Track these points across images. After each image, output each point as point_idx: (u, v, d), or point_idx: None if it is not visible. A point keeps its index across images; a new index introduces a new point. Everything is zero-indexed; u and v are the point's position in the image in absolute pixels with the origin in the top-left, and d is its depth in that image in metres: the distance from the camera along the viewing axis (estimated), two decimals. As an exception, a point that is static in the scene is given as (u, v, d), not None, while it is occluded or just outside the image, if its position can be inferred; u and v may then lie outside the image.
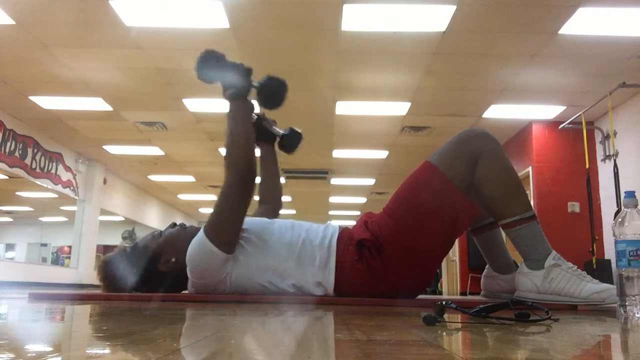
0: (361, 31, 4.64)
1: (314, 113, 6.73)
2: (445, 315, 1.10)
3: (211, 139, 7.80)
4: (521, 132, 7.12)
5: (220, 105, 5.39)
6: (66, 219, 13.26)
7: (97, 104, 6.51)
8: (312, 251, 1.82)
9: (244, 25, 4.60)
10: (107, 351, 0.63)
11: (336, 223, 2.04)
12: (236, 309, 1.42)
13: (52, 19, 4.52)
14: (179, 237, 1.92)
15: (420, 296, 2.06)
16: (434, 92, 5.98)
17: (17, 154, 7.40)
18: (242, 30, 4.68)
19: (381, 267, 1.79)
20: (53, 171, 8.46)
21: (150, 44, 4.95)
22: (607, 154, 6.24)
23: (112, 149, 8.70)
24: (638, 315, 1.26)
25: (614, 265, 1.41)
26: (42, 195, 10.14)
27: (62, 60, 5.33)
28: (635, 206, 1.32)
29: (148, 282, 1.88)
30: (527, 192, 6.52)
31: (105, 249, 10.53)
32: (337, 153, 8.56)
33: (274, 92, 1.91)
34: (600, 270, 5.14)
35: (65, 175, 8.86)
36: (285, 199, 13.72)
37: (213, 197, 1.84)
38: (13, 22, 4.57)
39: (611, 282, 1.69)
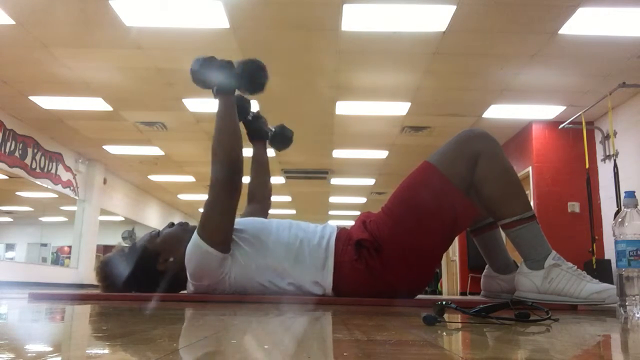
0: (361, 31, 4.64)
1: (314, 113, 6.73)
2: (445, 315, 1.10)
3: (211, 138, 7.78)
4: (521, 132, 7.12)
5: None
6: (66, 219, 13.26)
7: (97, 104, 6.51)
8: (310, 251, 1.82)
9: (244, 25, 4.60)
10: (107, 351, 0.63)
11: (336, 223, 2.04)
12: (236, 309, 1.42)
13: (52, 19, 4.52)
14: (177, 236, 1.92)
15: (420, 296, 2.06)
16: (434, 92, 5.98)
17: (17, 154, 7.40)
18: (242, 30, 4.68)
19: (380, 267, 1.79)
20: (53, 171, 8.46)
21: (150, 44, 4.95)
22: (607, 154, 6.24)
23: (112, 149, 8.70)
24: (638, 315, 1.26)
25: (614, 265, 1.41)
26: (42, 195, 10.14)
27: (62, 60, 5.33)
28: (635, 206, 1.32)
29: (147, 282, 1.88)
30: (527, 192, 6.53)
31: (105, 249, 10.53)
32: (337, 153, 8.56)
33: (251, 74, 1.88)
34: (600, 270, 5.13)
35: (65, 175, 8.86)
36: (285, 199, 13.74)
37: (206, 198, 1.84)
38: (13, 22, 4.57)
39: (611, 282, 1.69)
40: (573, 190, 6.42)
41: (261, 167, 2.32)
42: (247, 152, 1.89)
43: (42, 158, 8.09)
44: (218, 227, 1.76)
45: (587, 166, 5.58)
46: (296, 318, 1.22)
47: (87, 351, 0.65)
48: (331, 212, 14.77)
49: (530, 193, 6.67)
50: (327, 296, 1.81)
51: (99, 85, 5.96)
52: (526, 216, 1.76)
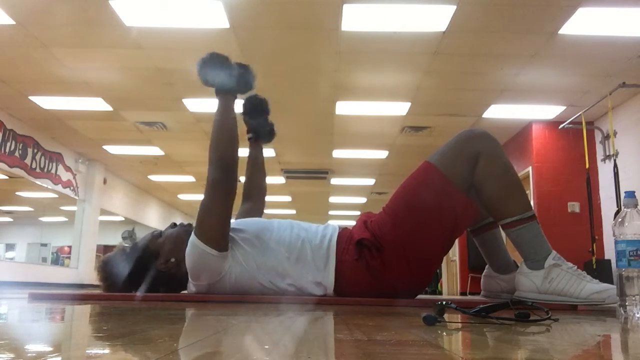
0: (361, 31, 4.64)
1: (314, 113, 6.73)
2: (445, 315, 1.10)
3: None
4: (521, 132, 7.12)
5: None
6: (66, 219, 13.26)
7: (97, 104, 6.51)
8: (312, 251, 1.82)
9: (244, 25, 4.60)
10: (107, 351, 0.63)
11: (336, 223, 2.04)
12: (236, 309, 1.42)
13: (52, 19, 4.52)
14: (179, 237, 1.92)
15: (420, 296, 2.07)
16: (434, 92, 5.98)
17: (17, 154, 7.40)
18: (242, 30, 4.68)
19: (381, 267, 1.79)
20: (53, 171, 8.46)
21: (150, 44, 4.95)
22: (607, 154, 6.24)
23: (112, 149, 8.70)
24: (638, 315, 1.26)
25: (614, 265, 1.41)
26: (42, 195, 10.14)
27: (62, 60, 5.33)
28: (635, 206, 1.32)
29: (148, 282, 1.88)
30: (527, 192, 6.52)
31: (105, 249, 10.52)
32: (337, 153, 8.56)
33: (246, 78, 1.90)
34: (600, 270, 5.13)
35: (65, 175, 8.86)
36: (285, 198, 13.74)
37: (202, 198, 1.84)
38: (13, 22, 4.57)
39: (611, 282, 1.69)
40: (573, 190, 6.42)
41: (256, 167, 2.32)
42: (243, 152, 1.90)
43: (42, 158, 8.09)
44: (214, 226, 1.77)
45: (587, 166, 5.58)
46: (296, 318, 1.22)
47: (87, 351, 0.65)
48: (331, 212, 14.77)
49: (530, 193, 6.67)
50: (328, 296, 1.81)
51: (99, 85, 5.96)
52: (526, 216, 1.76)
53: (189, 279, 1.82)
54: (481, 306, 1.09)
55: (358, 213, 13.03)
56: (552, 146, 6.75)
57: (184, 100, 6.34)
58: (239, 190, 1.88)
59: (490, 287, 2.05)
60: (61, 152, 8.66)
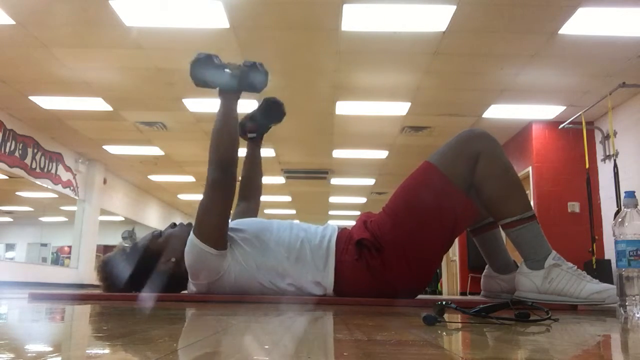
0: (361, 31, 4.64)
1: (314, 113, 6.73)
2: (445, 315, 1.10)
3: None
4: (521, 132, 7.12)
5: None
6: (66, 219, 13.27)
7: (97, 104, 6.51)
8: (311, 251, 1.82)
9: (244, 25, 4.60)
10: (107, 351, 0.63)
11: (336, 223, 2.05)
12: (236, 309, 1.42)
13: (52, 19, 4.52)
14: (179, 237, 1.92)
15: (420, 296, 2.06)
16: (434, 92, 5.98)
17: (17, 154, 7.40)
18: (242, 30, 4.68)
19: (381, 267, 1.79)
20: (53, 171, 8.46)
21: (150, 44, 4.95)
22: (607, 154, 6.24)
23: (112, 149, 8.70)
24: (638, 315, 1.26)
25: (614, 265, 1.41)
26: (42, 195, 10.14)
27: (62, 60, 5.33)
28: (635, 206, 1.32)
29: (148, 282, 1.88)
30: (527, 192, 6.52)
31: (105, 249, 10.52)
32: (337, 153, 8.56)
33: (253, 76, 1.88)
34: (600, 270, 5.13)
35: (65, 175, 8.86)
36: (285, 198, 13.74)
37: (201, 197, 1.84)
38: (13, 22, 4.57)
39: (611, 282, 1.69)
40: (573, 190, 6.42)
41: (253, 166, 2.32)
42: (241, 152, 1.90)
43: (42, 158, 8.09)
44: (213, 225, 1.77)
45: (587, 166, 5.58)
46: (296, 318, 1.22)
47: (87, 351, 0.65)
48: (331, 212, 14.77)
49: (530, 193, 6.67)
50: (328, 296, 1.81)
51: (99, 85, 5.96)
52: (526, 216, 1.76)
53: (189, 278, 1.83)
54: (481, 306, 1.09)
55: (358, 213, 13.03)
56: (552, 146, 6.75)
57: (184, 100, 6.34)
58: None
59: (490, 287, 2.05)
60: (61, 152, 8.66)
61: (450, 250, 10.09)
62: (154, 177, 10.81)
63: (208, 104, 6.31)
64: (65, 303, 1.71)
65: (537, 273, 1.73)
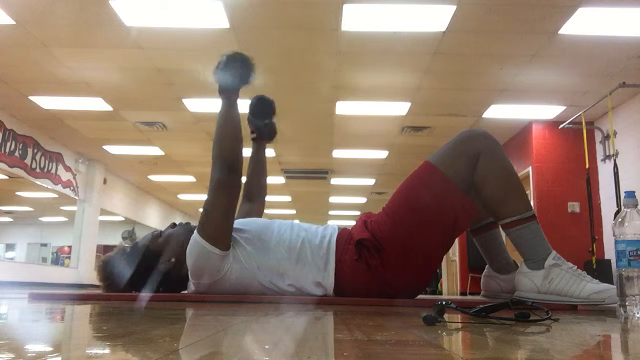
0: (361, 31, 4.64)
1: (314, 113, 6.73)
2: (445, 315, 1.10)
3: (211, 139, 7.68)
4: (521, 132, 7.12)
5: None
6: (66, 219, 13.27)
7: (97, 104, 6.51)
8: (312, 251, 1.82)
9: (244, 25, 4.60)
10: (107, 351, 0.63)
11: (336, 223, 2.05)
12: (236, 309, 1.42)
13: (52, 19, 4.52)
14: (179, 237, 1.92)
15: (420, 296, 2.06)
16: (434, 92, 5.98)
17: (17, 154, 7.40)
18: (242, 30, 4.68)
19: (381, 267, 1.79)
20: (53, 171, 8.46)
21: (150, 44, 4.95)
22: (607, 154, 6.24)
23: (112, 149, 8.70)
24: (638, 315, 1.26)
25: (614, 265, 1.41)
26: (42, 195, 10.14)
27: (62, 60, 5.33)
28: (635, 206, 1.32)
29: (148, 282, 1.88)
30: (527, 192, 6.52)
31: (105, 249, 10.53)
32: (337, 153, 8.56)
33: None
34: (600, 270, 5.13)
35: (65, 175, 8.86)
36: (285, 198, 13.73)
37: (206, 197, 1.84)
38: (13, 22, 4.57)
39: (611, 282, 1.69)
40: (573, 190, 6.42)
41: (258, 166, 2.32)
42: (246, 152, 1.89)
43: (42, 158, 8.09)
44: (218, 225, 1.77)
45: (587, 166, 5.58)
46: (296, 318, 1.22)
47: (87, 351, 0.65)
48: (331, 212, 14.77)
49: (530, 193, 6.67)
50: (328, 296, 1.81)
51: (99, 85, 5.96)
52: (526, 216, 1.76)
53: (190, 277, 1.82)
54: (481, 306, 1.09)
55: (358, 213, 13.04)
56: (552, 146, 6.75)
57: (184, 100, 6.34)
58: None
59: (490, 287, 2.05)
60: (61, 152, 8.66)
61: (450, 250, 10.07)
62: (154, 177, 10.80)
63: (208, 104, 6.31)
64: (65, 303, 1.71)
65: (537, 273, 1.73)
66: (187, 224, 2.03)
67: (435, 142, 7.35)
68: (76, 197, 9.41)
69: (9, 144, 7.18)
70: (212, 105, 6.28)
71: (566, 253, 1.83)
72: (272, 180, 10.08)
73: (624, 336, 0.99)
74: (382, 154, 8.54)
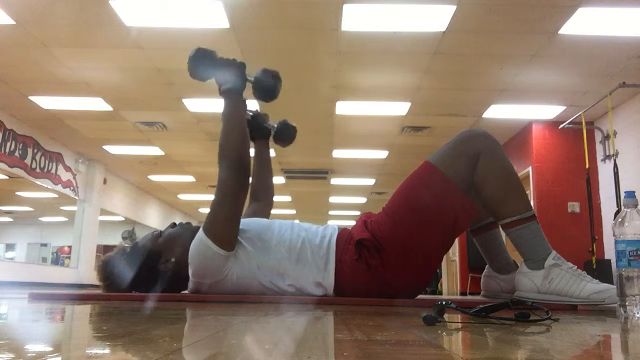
0: (361, 31, 4.64)
1: (314, 113, 6.73)
2: (445, 315, 1.10)
3: (211, 139, 7.80)
4: (521, 132, 7.12)
5: (221, 105, 5.39)
6: (66, 219, 13.27)
7: (97, 104, 6.51)
8: (312, 251, 1.82)
9: (244, 25, 4.60)
10: (107, 351, 0.63)
11: (336, 223, 2.05)
12: (236, 309, 1.42)
13: (52, 19, 4.52)
14: (179, 237, 1.92)
15: (420, 296, 2.06)
16: (434, 92, 5.98)
17: (17, 154, 7.40)
18: (242, 30, 4.68)
19: (381, 267, 1.79)
20: (53, 171, 8.46)
21: (150, 44, 4.95)
22: (607, 154, 6.24)
23: (112, 149, 8.70)
24: (638, 315, 1.26)
25: (614, 265, 1.41)
26: (42, 195, 10.14)
27: (62, 60, 5.33)
28: (635, 206, 1.32)
29: (148, 282, 1.88)
30: (527, 192, 6.52)
31: (105, 249, 10.53)
32: (337, 153, 8.56)
33: (269, 85, 1.92)
34: (600, 270, 5.13)
35: (65, 175, 8.86)
36: (285, 198, 13.75)
37: (213, 197, 1.84)
38: (13, 22, 4.57)
39: (611, 282, 1.69)
40: (573, 190, 6.42)
41: (263, 166, 2.31)
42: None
43: (42, 158, 8.09)
44: (224, 226, 1.77)
45: (587, 166, 5.58)
46: (296, 318, 1.22)
47: (87, 351, 0.65)
48: (331, 212, 14.77)
49: (530, 193, 6.67)
50: (328, 296, 1.81)
51: (99, 85, 5.96)
52: (526, 216, 1.76)
53: (191, 277, 1.82)
54: (481, 306, 1.09)
55: (358, 213, 13.04)
56: (552, 146, 6.75)
57: (184, 100, 6.34)
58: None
59: (490, 287, 2.05)
60: (61, 152, 8.66)
61: (450, 250, 10.07)
62: (154, 177, 10.81)
63: (208, 104, 6.31)
64: (65, 303, 1.71)
65: (537, 273, 1.73)
66: (188, 224, 2.02)
67: (435, 142, 7.35)
68: (76, 197, 9.41)
69: (9, 144, 7.18)
70: (212, 105, 6.29)
71: (566, 253, 1.83)
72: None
73: (624, 336, 0.99)
74: (382, 154, 8.54)
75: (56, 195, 9.38)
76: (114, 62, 5.38)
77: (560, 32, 4.52)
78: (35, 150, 7.88)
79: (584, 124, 5.69)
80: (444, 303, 1.06)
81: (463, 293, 8.97)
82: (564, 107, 6.26)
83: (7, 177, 8.24)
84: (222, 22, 4.49)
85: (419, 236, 1.80)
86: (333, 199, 12.68)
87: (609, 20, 4.35)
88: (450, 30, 4.55)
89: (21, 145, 7.48)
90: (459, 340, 0.87)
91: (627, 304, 1.28)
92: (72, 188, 9.17)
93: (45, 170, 8.23)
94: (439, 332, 0.91)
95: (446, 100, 6.26)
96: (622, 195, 1.91)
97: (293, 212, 14.38)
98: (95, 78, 5.79)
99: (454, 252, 9.90)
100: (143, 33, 4.73)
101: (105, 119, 7.03)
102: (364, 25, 4.55)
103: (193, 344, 0.72)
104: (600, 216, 6.27)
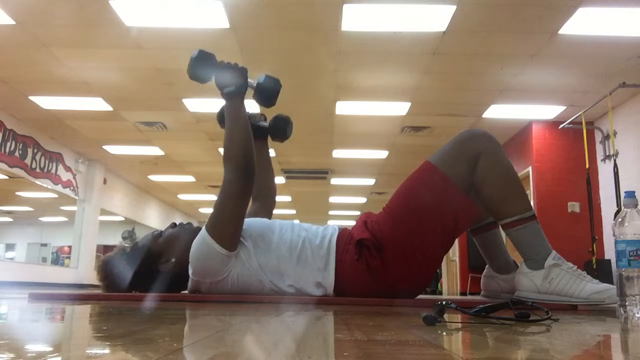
0: (361, 31, 4.64)
1: (314, 113, 6.73)
2: (445, 315, 1.10)
3: (211, 139, 7.80)
4: (521, 132, 7.12)
5: (220, 105, 5.38)
6: (66, 219, 13.26)
7: (97, 104, 6.51)
8: (312, 251, 1.83)
9: (244, 25, 4.60)
10: (107, 351, 0.63)
11: (336, 223, 2.05)
12: (236, 309, 1.42)
13: (52, 19, 4.52)
14: (179, 237, 1.92)
15: (420, 296, 2.06)
16: (434, 92, 5.98)
17: (17, 154, 7.40)
18: (242, 30, 4.68)
19: (381, 267, 1.79)
20: (53, 171, 8.46)
21: (150, 44, 4.95)
22: (607, 154, 6.24)
23: (112, 149, 8.70)
24: (638, 315, 1.26)
25: (614, 265, 1.41)
26: (42, 195, 10.14)
27: (62, 60, 5.33)
28: (635, 206, 1.32)
29: (148, 282, 1.88)
30: (527, 192, 6.53)
31: (105, 249, 10.52)
32: (337, 153, 8.56)
33: (270, 90, 1.94)
34: (600, 270, 5.13)
35: (65, 175, 8.86)
36: (285, 198, 13.76)
37: (213, 197, 1.85)
38: (13, 22, 4.57)
39: (611, 282, 1.69)
40: (573, 190, 6.42)
41: (263, 166, 2.29)
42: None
43: (42, 158, 8.09)
44: (228, 225, 1.77)
45: (587, 166, 5.58)
46: (296, 318, 1.22)
47: (87, 351, 0.65)
48: (331, 212, 14.77)
49: (530, 193, 6.67)
50: (328, 296, 1.81)
51: (99, 85, 5.96)
52: (526, 216, 1.76)
53: (192, 276, 1.82)
54: (481, 306, 1.09)
55: (358, 213, 13.04)
56: (552, 146, 6.75)
57: (184, 100, 6.34)
58: None
59: (490, 287, 2.05)
60: (61, 152, 8.66)
61: (450, 250, 10.02)
62: (154, 177, 10.81)
63: (208, 104, 6.31)
64: (65, 303, 1.71)
65: (537, 273, 1.73)
66: (188, 224, 2.03)
67: (435, 142, 7.34)
68: (76, 197, 9.41)
69: (9, 144, 7.18)
70: (212, 105, 6.28)
71: (566, 253, 1.83)
72: (272, 180, 10.08)
73: (624, 336, 0.99)
74: (382, 154, 8.54)
75: (56, 195, 9.38)
76: (114, 62, 5.38)
77: (560, 32, 4.52)
78: (35, 150, 7.88)
79: (584, 124, 5.68)
80: (444, 303, 1.06)
81: (463, 293, 8.97)
82: (564, 107, 6.26)
83: (7, 177, 8.24)
84: (222, 22, 4.49)
85: (419, 236, 1.80)
86: (333, 199, 12.67)
87: (609, 20, 4.35)
88: (450, 30, 4.55)
89: (21, 145, 7.48)
90: (459, 340, 0.87)
91: (627, 304, 1.28)
92: (72, 188, 9.17)
93: (45, 170, 8.23)
94: (439, 332, 0.91)
95: (446, 100, 6.26)
96: (622, 195, 1.91)
97: (293, 212, 14.37)
98: (95, 78, 5.79)
99: (454, 252, 9.90)
100: (143, 33, 4.73)
101: (105, 119, 7.03)
102: (364, 25, 4.55)
103: (193, 344, 0.72)
104: (600, 216, 6.26)
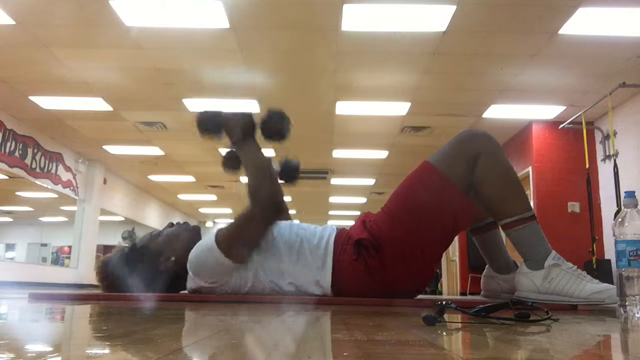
0: (361, 31, 4.64)
1: (314, 113, 6.73)
2: (445, 315, 1.10)
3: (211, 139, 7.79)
4: (521, 132, 7.12)
5: (221, 106, 5.42)
6: (66, 219, 13.26)
7: (97, 104, 6.50)
8: (310, 251, 1.83)
9: (244, 25, 4.60)
10: (107, 351, 0.63)
11: (336, 223, 2.05)
12: (236, 309, 1.42)
13: (52, 19, 4.52)
14: (179, 236, 1.93)
15: (420, 296, 2.06)
16: (434, 92, 5.98)
17: (17, 154, 7.40)
18: (242, 30, 4.68)
19: (379, 267, 1.79)
20: (53, 171, 8.46)
21: (150, 44, 4.95)
22: (607, 154, 6.24)
23: (112, 149, 8.70)
24: (638, 315, 1.26)
25: (614, 265, 1.41)
26: (42, 195, 10.14)
27: (62, 60, 5.33)
28: (635, 206, 1.32)
29: (147, 281, 1.88)
30: (527, 192, 6.53)
31: (105, 249, 10.53)
32: (337, 153, 8.56)
33: (277, 125, 1.93)
34: (600, 270, 5.13)
35: (65, 175, 8.86)
36: (285, 198, 13.74)
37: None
38: (13, 22, 4.57)
39: (611, 282, 1.69)
40: (573, 190, 6.42)
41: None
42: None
43: (42, 158, 8.09)
44: (240, 244, 1.80)
45: (587, 166, 5.58)
46: (296, 318, 1.22)
47: (87, 351, 0.65)
48: (331, 212, 14.77)
49: (530, 193, 6.67)
50: (327, 296, 1.81)
51: (99, 85, 5.96)
52: (526, 216, 1.76)
53: (192, 275, 1.82)
54: (481, 306, 1.09)
55: (358, 213, 12.99)
56: (552, 146, 6.75)
57: (184, 100, 6.34)
58: None
59: (490, 287, 2.05)
60: (61, 152, 8.66)
61: (450, 250, 10.08)
62: (154, 177, 10.80)
63: (208, 104, 6.31)
64: (65, 303, 1.71)
65: (537, 273, 1.73)
66: (185, 223, 2.03)
67: (435, 142, 7.34)
68: (76, 197, 9.41)
69: (9, 144, 7.18)
70: (212, 105, 6.28)
71: (566, 253, 1.83)
72: (272, 180, 10.08)
73: (624, 336, 0.99)
74: (382, 154, 8.54)
75: (56, 195, 9.38)
76: (114, 62, 5.38)
77: (560, 32, 4.52)
78: (35, 150, 7.88)
79: (584, 124, 5.68)
80: (444, 303, 1.06)
81: (463, 293, 8.97)
82: (564, 107, 6.26)
83: (7, 177, 8.24)
84: (222, 22, 4.49)
85: (417, 236, 1.80)
86: (333, 199, 12.67)
87: (609, 20, 4.35)
88: (450, 30, 4.55)
89: (21, 145, 7.48)
90: (459, 340, 0.87)
91: (627, 304, 1.28)
92: (72, 188, 9.17)
93: (45, 170, 8.23)
94: (439, 332, 0.91)
95: (446, 100, 6.26)
96: (622, 195, 1.91)
97: (293, 212, 14.33)
98: (95, 78, 5.78)
99: (454, 252, 9.90)
100: (143, 33, 4.73)
101: (105, 119, 7.03)
102: (364, 25, 4.55)
103: (193, 344, 0.72)
104: (600, 216, 6.26)
